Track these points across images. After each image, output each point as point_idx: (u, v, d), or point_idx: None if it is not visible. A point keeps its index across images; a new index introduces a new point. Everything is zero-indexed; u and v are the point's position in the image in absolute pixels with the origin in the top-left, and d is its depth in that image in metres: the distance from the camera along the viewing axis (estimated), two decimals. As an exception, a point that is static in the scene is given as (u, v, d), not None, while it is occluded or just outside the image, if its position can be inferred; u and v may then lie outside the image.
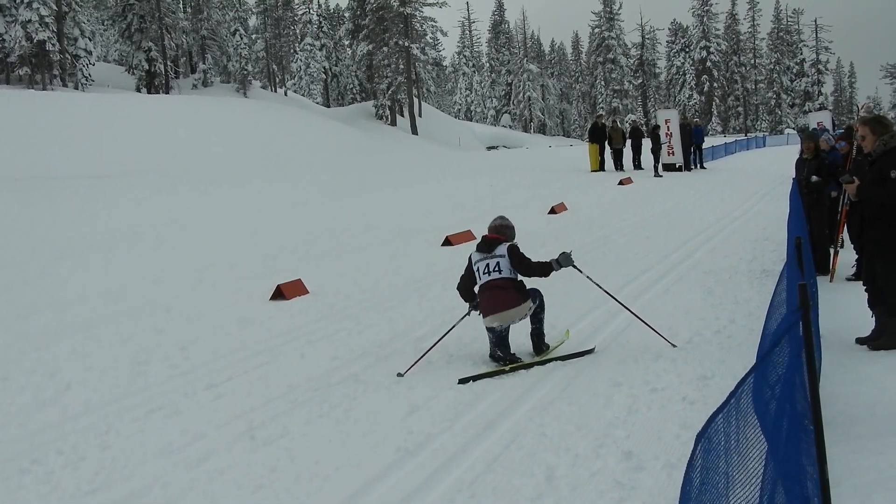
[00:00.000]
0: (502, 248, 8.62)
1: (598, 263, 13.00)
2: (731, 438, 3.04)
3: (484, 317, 8.56)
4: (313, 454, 6.28)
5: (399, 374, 8.19)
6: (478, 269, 8.70)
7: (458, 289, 9.11)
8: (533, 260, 8.73)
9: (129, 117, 44.85)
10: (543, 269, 8.63)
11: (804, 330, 3.64)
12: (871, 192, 7.74)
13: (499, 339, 8.46)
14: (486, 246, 8.72)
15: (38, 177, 31.22)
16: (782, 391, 3.55)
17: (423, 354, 8.58)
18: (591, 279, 9.30)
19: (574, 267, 8.77)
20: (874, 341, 7.80)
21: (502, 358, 8.39)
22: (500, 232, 8.84)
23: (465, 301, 9.11)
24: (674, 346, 8.49)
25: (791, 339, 3.69)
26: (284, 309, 11.49)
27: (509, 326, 8.50)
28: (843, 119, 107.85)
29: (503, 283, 8.49)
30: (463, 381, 7.87)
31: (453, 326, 9.05)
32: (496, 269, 8.55)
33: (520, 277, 8.66)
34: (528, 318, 8.61)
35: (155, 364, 8.94)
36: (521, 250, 8.68)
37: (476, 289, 8.74)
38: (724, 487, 2.95)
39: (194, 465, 6.21)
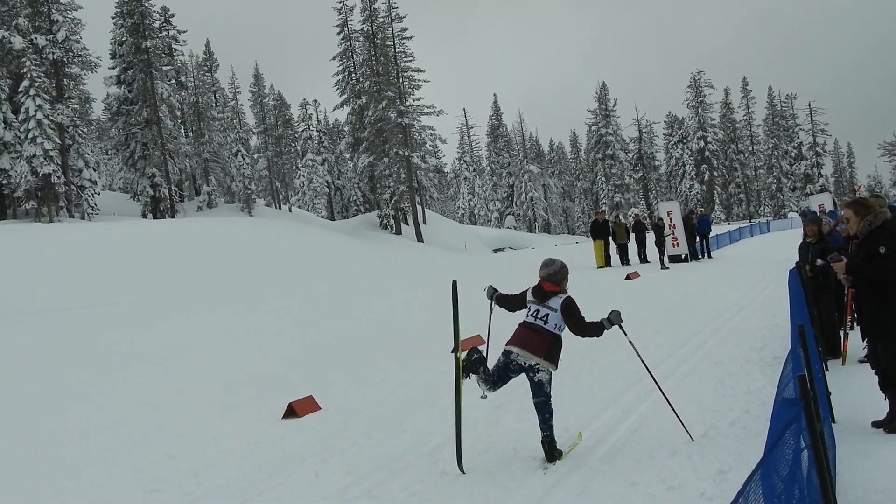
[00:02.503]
0: (556, 302, 8.51)
1: (608, 359, 12.95)
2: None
3: (507, 345, 8.61)
4: (330, 576, 6.20)
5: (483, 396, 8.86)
6: (529, 308, 8.71)
7: (489, 295, 9.39)
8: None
9: (134, 243, 45.19)
10: (596, 330, 8.45)
11: (807, 421, 3.63)
12: (860, 268, 7.78)
13: (501, 371, 8.59)
14: (541, 296, 8.64)
15: (42, 309, 31.33)
16: (790, 484, 3.53)
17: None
18: (632, 344, 9.18)
19: (620, 327, 8.60)
20: (889, 424, 7.74)
21: (483, 381, 8.68)
22: (554, 281, 8.67)
23: (504, 308, 9.30)
24: (692, 439, 8.41)
25: (795, 430, 3.68)
26: (297, 427, 11.42)
27: (522, 365, 8.45)
28: (844, 200, 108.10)
29: (542, 332, 8.44)
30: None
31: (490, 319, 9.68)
32: (543, 318, 8.49)
33: (561, 333, 8.54)
34: (537, 410, 8.46)
35: (168, 492, 8.87)
36: (576, 304, 8.55)
37: (518, 321, 8.76)
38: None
39: None
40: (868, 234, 7.83)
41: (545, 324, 8.46)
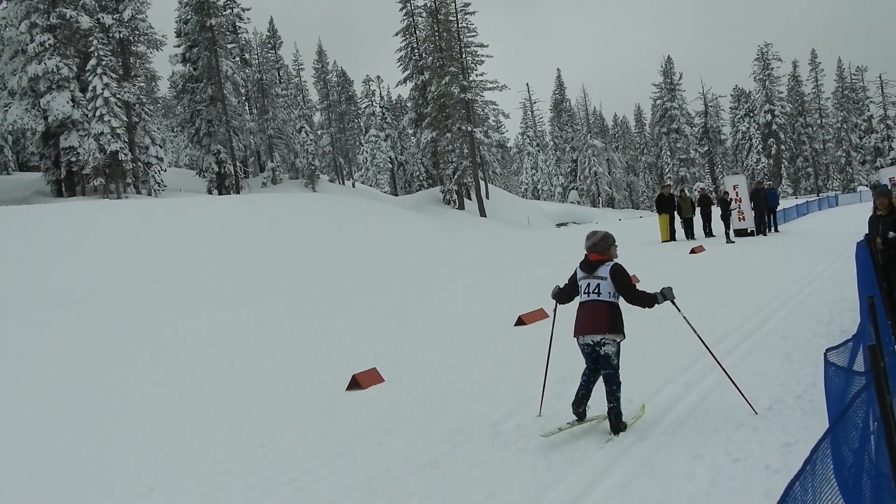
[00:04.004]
0: (604, 270, 8.51)
1: (673, 335, 12.86)
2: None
3: (574, 335, 8.64)
4: (394, 544, 6.25)
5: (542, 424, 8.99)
6: (580, 286, 8.69)
7: (553, 295, 9.31)
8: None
9: (203, 219, 45.65)
10: (649, 300, 8.50)
11: (877, 392, 3.58)
12: None
13: (591, 361, 8.64)
14: (589, 267, 8.65)
15: (119, 284, 31.83)
16: (859, 455, 3.48)
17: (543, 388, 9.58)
18: (686, 319, 9.19)
19: (673, 303, 8.69)
20: None
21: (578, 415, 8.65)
22: (601, 251, 8.68)
23: (560, 303, 9.33)
24: (755, 412, 8.35)
25: (865, 401, 3.63)
26: (361, 399, 11.51)
27: (591, 345, 8.49)
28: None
29: (599, 306, 8.43)
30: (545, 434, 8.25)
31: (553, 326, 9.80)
32: (595, 290, 8.48)
33: (618, 302, 8.54)
34: (605, 381, 8.47)
35: (236, 462, 8.99)
36: (626, 270, 8.58)
37: (577, 305, 8.76)
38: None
39: (277, 561, 6.21)
40: None
41: (599, 295, 8.45)
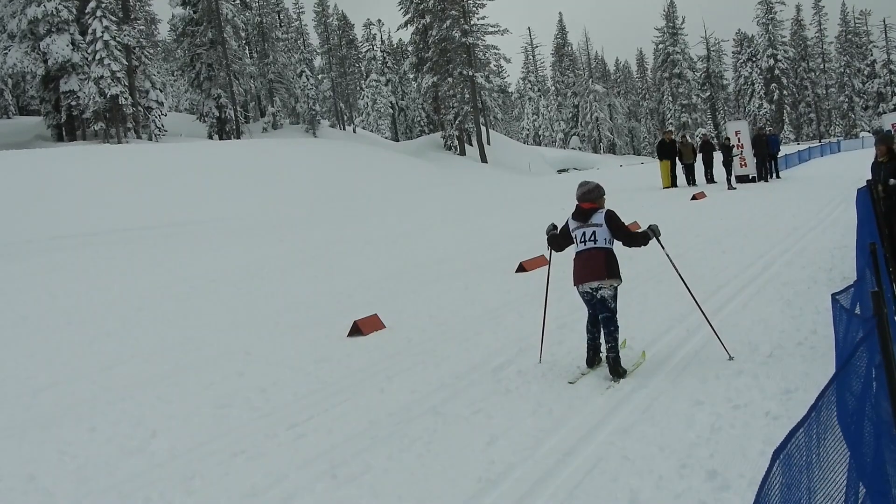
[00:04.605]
0: (599, 217, 8.69)
1: (673, 281, 12.86)
2: (813, 452, 2.98)
3: (574, 283, 8.79)
4: (396, 489, 6.28)
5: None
6: (575, 236, 8.86)
7: (548, 243, 9.49)
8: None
9: (203, 165, 45.54)
10: (644, 239, 8.77)
11: (881, 338, 3.57)
12: None
13: (591, 308, 8.82)
14: (582, 216, 8.81)
15: (117, 229, 31.85)
16: (862, 401, 3.48)
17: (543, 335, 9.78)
18: (669, 258, 9.68)
19: (658, 241, 8.96)
20: None
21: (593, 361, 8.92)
22: (592, 199, 8.82)
23: (554, 250, 9.50)
24: (730, 357, 8.56)
25: (869, 347, 3.62)
26: (362, 345, 11.53)
27: (590, 292, 8.68)
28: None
29: (596, 253, 8.61)
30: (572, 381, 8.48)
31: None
32: (591, 238, 8.65)
33: (614, 247, 8.74)
34: (605, 329, 8.62)
35: (237, 408, 9.01)
36: (618, 215, 8.78)
37: (573, 255, 8.90)
38: (807, 502, 2.90)
39: (279, 506, 6.24)
40: None
41: (595, 242, 8.63)
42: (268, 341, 12.48)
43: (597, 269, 8.53)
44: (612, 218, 8.66)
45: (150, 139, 64.17)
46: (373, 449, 7.23)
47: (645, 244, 8.84)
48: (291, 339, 12.43)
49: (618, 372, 8.46)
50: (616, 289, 8.67)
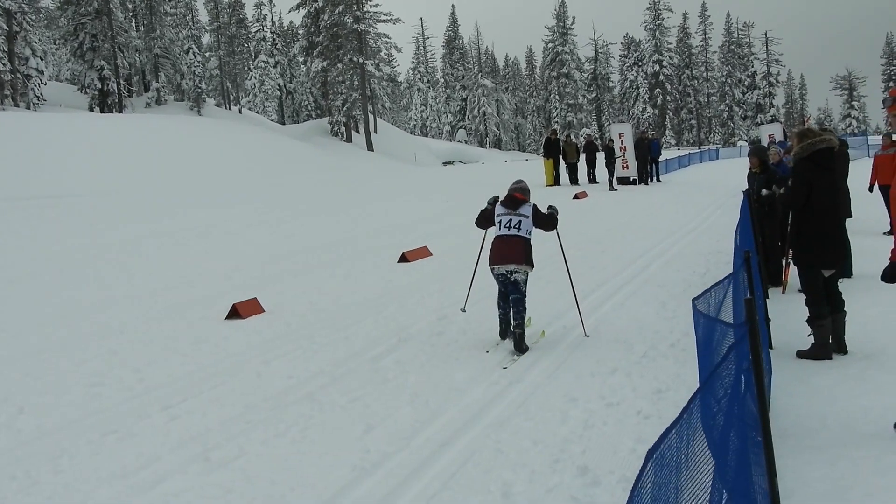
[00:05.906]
0: (527, 209, 9.77)
1: (554, 278, 13.05)
2: (682, 454, 3.07)
3: (490, 265, 9.71)
4: (269, 475, 6.25)
5: (462, 310, 10.89)
6: (499, 221, 9.83)
7: (476, 222, 10.52)
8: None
9: (84, 137, 44.38)
10: (556, 221, 10.04)
11: (751, 345, 3.69)
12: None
13: (503, 287, 9.74)
14: (512, 203, 9.82)
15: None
16: (730, 406, 3.59)
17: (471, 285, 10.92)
18: (561, 244, 10.76)
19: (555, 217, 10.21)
20: (810, 352, 7.95)
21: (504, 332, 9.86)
22: (523, 191, 9.92)
23: (480, 228, 10.56)
24: (587, 335, 9.74)
25: (738, 353, 3.73)
26: (240, 328, 11.43)
27: (505, 274, 9.60)
28: (794, 130, 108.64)
29: (516, 240, 9.59)
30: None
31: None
32: (516, 226, 9.67)
33: (531, 236, 9.72)
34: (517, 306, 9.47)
35: (109, 387, 8.85)
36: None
37: (493, 238, 9.87)
38: (674, 501, 2.98)
39: (149, 488, 6.14)
40: (795, 164, 7.97)
41: (519, 230, 9.65)
42: (144, 320, 12.27)
43: (516, 254, 9.49)
44: (537, 210, 9.82)
45: (28, 108, 62.23)
46: (247, 433, 7.18)
47: (556, 225, 10.05)
48: (168, 319, 12.24)
49: (521, 348, 9.34)
50: (528, 274, 9.66)
